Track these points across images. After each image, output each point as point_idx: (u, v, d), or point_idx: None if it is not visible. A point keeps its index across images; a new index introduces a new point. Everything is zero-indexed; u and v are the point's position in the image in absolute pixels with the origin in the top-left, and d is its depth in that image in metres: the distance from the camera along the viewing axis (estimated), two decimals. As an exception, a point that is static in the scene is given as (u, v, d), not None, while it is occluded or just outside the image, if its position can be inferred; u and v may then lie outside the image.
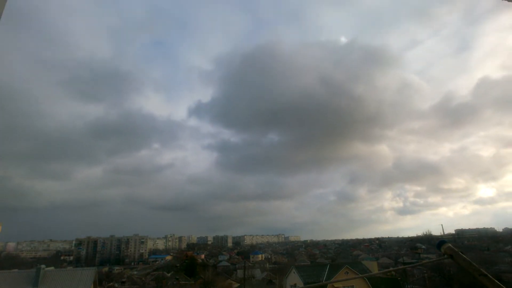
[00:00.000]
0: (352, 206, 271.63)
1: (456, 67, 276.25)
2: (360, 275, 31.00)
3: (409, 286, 45.42)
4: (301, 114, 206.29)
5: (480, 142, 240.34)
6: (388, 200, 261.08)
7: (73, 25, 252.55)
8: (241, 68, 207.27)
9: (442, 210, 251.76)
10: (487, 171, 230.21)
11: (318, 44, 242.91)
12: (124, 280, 64.58)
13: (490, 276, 1.67)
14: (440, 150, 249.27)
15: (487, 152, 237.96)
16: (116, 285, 60.42)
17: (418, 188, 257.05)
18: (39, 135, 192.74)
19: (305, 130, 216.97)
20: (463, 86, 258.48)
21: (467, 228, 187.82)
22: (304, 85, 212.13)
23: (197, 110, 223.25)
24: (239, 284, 55.18)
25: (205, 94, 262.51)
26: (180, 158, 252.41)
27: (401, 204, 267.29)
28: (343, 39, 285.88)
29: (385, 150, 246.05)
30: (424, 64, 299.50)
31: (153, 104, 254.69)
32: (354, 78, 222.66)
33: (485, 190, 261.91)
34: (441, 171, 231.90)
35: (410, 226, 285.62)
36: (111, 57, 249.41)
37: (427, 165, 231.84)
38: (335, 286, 28.86)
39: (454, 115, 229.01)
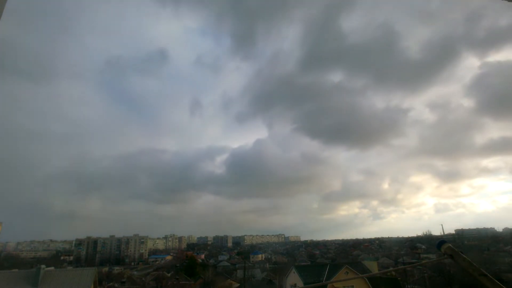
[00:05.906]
0: (337, 211, 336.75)
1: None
2: (360, 275, 30.99)
3: (409, 286, 45.40)
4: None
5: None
6: (361, 208, 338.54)
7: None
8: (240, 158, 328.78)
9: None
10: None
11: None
12: (124, 280, 64.37)
13: (490, 276, 1.67)
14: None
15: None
16: (116, 285, 60.22)
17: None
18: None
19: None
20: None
21: (467, 228, 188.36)
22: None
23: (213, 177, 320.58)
24: (239, 284, 55.19)
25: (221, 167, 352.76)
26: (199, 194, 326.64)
27: (372, 212, 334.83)
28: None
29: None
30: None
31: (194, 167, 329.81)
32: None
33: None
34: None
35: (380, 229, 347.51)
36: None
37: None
38: (335, 286, 28.83)
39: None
